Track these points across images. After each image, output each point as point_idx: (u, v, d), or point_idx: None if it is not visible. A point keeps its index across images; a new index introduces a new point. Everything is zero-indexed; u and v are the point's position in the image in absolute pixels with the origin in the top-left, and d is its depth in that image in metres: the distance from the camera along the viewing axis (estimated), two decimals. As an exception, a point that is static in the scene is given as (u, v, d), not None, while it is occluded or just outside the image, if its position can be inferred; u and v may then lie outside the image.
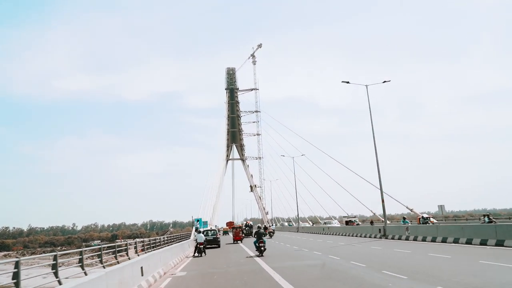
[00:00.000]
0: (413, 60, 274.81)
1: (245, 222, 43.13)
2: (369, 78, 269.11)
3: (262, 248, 20.27)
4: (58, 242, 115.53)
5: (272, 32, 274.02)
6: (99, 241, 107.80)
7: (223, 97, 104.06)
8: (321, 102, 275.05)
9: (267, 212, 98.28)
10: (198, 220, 46.07)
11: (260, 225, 26.45)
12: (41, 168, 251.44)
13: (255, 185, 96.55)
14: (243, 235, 39.13)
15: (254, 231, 29.03)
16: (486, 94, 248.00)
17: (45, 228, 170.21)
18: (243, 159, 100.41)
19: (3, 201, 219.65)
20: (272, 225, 61.02)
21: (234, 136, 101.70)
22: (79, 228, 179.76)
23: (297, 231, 57.24)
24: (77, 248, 69.26)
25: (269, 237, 40.40)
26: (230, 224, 50.64)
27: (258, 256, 19.99)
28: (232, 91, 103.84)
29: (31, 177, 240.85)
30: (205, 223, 47.34)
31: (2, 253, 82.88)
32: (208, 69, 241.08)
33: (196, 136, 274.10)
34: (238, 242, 35.72)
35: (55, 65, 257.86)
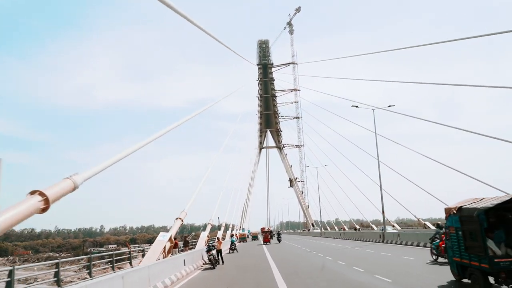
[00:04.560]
0: (449, 59, 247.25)
1: (266, 228, 54.31)
2: (403, 78, 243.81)
3: (281, 239, 46.02)
4: (72, 246, 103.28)
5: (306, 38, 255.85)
6: (115, 245, 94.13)
7: (255, 83, 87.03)
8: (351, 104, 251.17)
9: (313, 218, 79.18)
10: None
11: (278, 231, 54.63)
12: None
13: (296, 178, 77.88)
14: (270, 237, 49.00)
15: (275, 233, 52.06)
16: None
17: (72, 230, 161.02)
18: (279, 147, 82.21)
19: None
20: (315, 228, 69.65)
21: (269, 119, 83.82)
22: (106, 230, 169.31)
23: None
24: (84, 255, 56.18)
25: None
26: (263, 229, 56.12)
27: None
28: (265, 66, 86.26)
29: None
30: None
31: None
32: (242, 74, 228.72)
33: (229, 140, 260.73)
34: (267, 243, 44.02)
35: (95, 76, 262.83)
